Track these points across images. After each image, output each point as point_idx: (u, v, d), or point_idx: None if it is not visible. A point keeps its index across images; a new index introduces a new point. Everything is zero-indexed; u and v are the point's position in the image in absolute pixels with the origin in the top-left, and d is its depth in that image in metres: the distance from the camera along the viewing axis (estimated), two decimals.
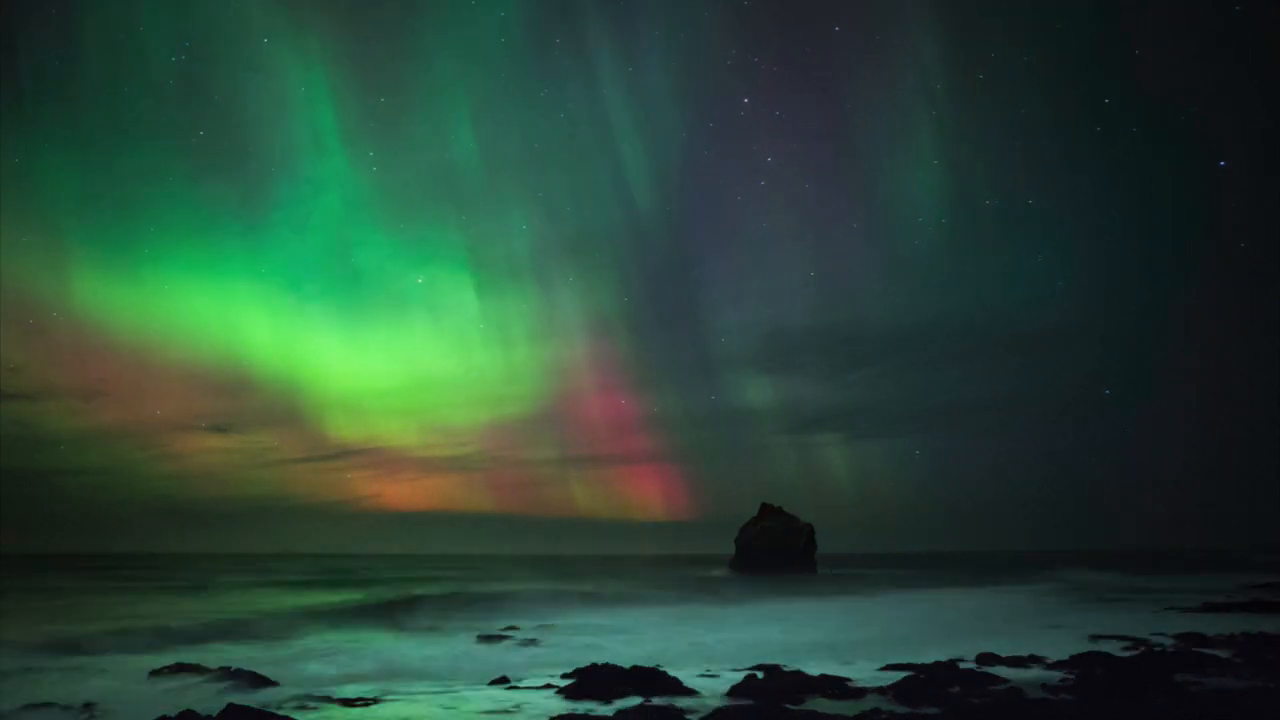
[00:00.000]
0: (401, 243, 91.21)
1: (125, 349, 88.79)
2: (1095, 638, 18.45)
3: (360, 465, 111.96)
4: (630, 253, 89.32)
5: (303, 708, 10.60)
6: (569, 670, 13.17)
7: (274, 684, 12.21)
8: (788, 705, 10.49)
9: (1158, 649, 15.39)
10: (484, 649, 17.12)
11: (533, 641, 17.40)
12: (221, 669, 12.73)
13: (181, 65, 71.39)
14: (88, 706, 10.42)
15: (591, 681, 11.90)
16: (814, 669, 13.17)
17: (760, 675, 12.48)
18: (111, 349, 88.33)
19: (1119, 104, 73.37)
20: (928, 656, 14.55)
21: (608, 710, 10.41)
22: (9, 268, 76.12)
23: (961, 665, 13.48)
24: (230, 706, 9.61)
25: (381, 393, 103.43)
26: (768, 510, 68.49)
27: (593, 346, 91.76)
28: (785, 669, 13.18)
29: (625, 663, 13.47)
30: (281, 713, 9.85)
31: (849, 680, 12.22)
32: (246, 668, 12.85)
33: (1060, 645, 16.71)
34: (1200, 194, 77.56)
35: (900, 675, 12.58)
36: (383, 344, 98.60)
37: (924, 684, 11.72)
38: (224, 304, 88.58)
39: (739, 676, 12.53)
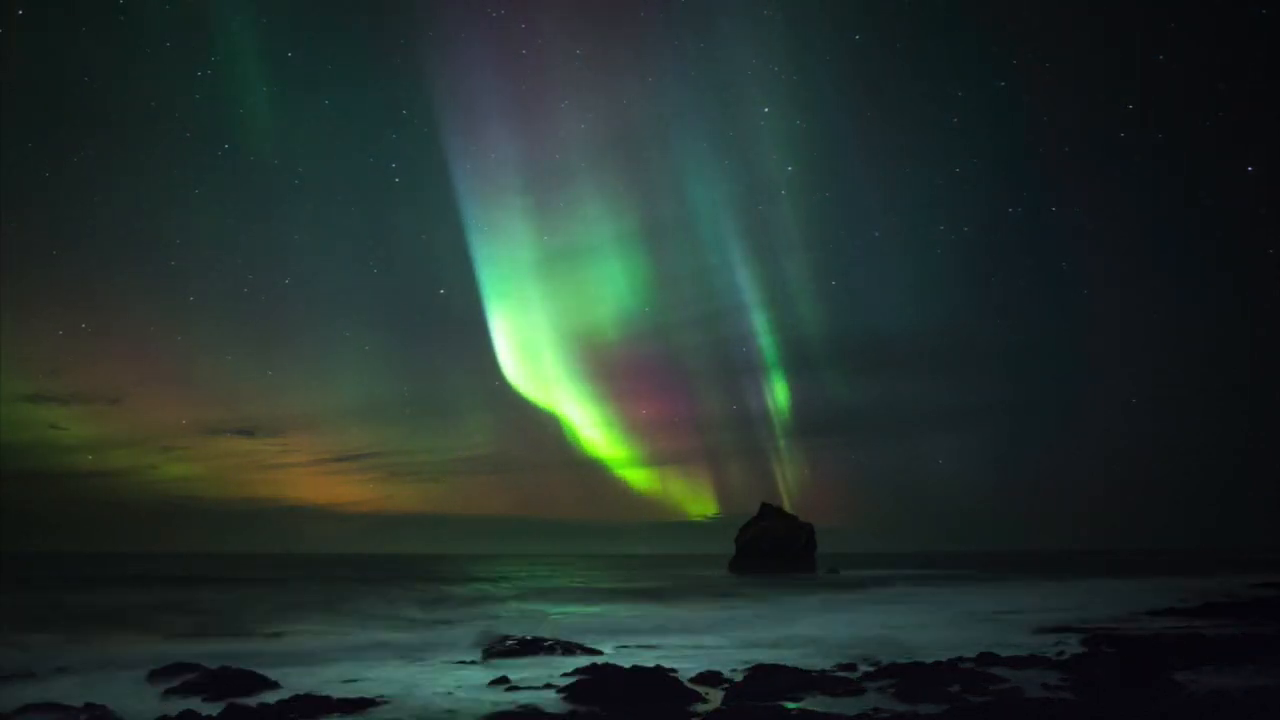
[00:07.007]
0: (423, 253, 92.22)
1: (153, 355, 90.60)
2: (1095, 638, 18.44)
3: (371, 467, 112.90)
4: (648, 259, 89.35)
5: (303, 708, 10.59)
6: (569, 670, 13.17)
7: (274, 684, 12.22)
8: (788, 705, 10.49)
9: (1158, 649, 15.36)
10: (484, 649, 17.12)
11: (533, 642, 17.40)
12: (221, 669, 12.73)
13: (207, 80, 72.04)
14: (88, 706, 10.42)
15: (591, 682, 11.91)
16: (814, 668, 13.17)
17: (760, 675, 12.47)
18: (139, 355, 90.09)
19: (1142, 110, 72.93)
20: (928, 656, 14.54)
21: (608, 710, 10.41)
22: (41, 277, 78.12)
23: (961, 665, 13.47)
24: (230, 706, 9.63)
25: (396, 396, 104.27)
26: (768, 510, 68.54)
27: (600, 350, 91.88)
28: (785, 669, 13.16)
29: (625, 663, 13.49)
30: (281, 713, 9.86)
31: (849, 680, 12.22)
32: (246, 668, 12.85)
33: (1060, 645, 16.71)
34: (1227, 199, 77.12)
35: (900, 675, 12.57)
36: (399, 349, 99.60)
37: (924, 684, 11.72)
38: (243, 308, 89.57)
39: (739, 676, 12.53)
